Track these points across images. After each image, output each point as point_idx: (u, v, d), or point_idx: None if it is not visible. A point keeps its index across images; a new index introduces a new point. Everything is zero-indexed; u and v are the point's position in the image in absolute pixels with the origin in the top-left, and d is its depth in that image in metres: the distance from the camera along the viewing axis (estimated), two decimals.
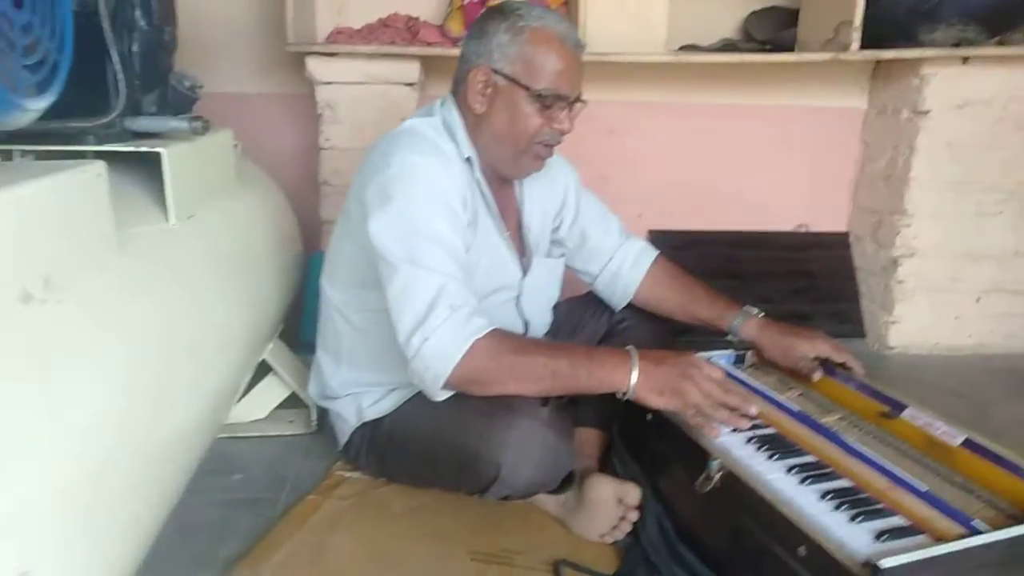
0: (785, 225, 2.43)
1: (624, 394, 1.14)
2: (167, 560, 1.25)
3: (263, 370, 1.71)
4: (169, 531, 1.31)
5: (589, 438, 1.46)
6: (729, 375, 1.33)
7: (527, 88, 1.24)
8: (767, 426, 1.18)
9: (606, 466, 1.42)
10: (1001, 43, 2.03)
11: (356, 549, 1.29)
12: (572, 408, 1.48)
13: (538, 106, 1.25)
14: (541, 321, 1.49)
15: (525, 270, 1.43)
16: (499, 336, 1.15)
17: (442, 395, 1.18)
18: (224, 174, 1.42)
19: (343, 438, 1.45)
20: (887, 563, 0.81)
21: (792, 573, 0.93)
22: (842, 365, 1.35)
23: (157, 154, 1.08)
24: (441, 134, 1.30)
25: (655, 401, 1.13)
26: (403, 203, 1.19)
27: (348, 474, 1.51)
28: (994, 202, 2.14)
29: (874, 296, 2.30)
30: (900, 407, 1.20)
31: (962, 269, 2.19)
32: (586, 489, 1.30)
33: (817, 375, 1.32)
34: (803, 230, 2.43)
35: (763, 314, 1.44)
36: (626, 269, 1.53)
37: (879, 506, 0.97)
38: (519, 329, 1.44)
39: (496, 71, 1.24)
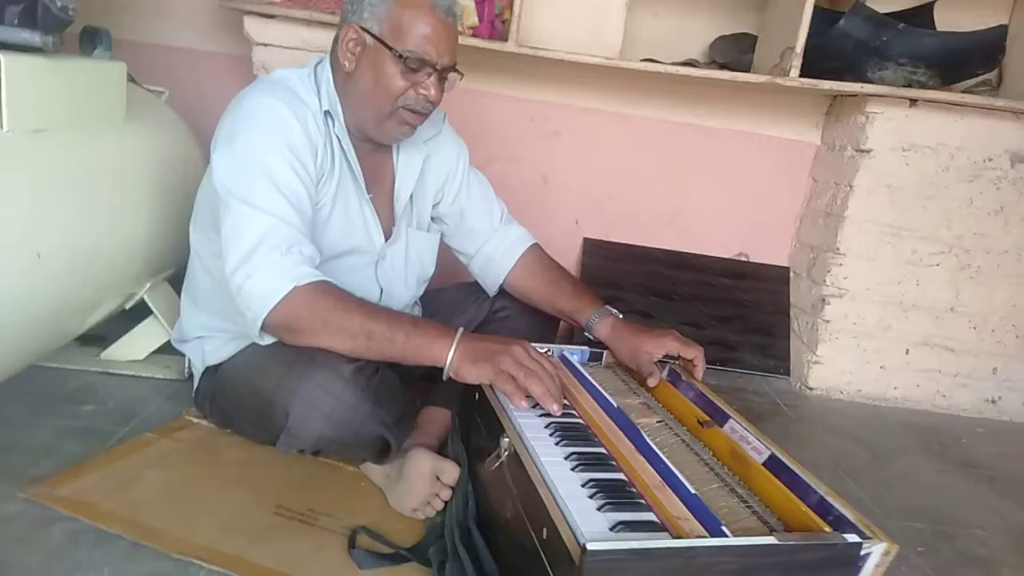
0: (725, 252, 2.38)
1: (443, 370, 1.12)
2: None
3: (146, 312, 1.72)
4: None
5: (436, 417, 1.43)
6: (572, 370, 1.29)
7: (391, 49, 1.23)
8: (578, 416, 1.14)
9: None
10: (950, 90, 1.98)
11: (165, 487, 1.27)
12: (423, 385, 1.46)
13: (402, 68, 1.23)
14: (403, 292, 1.46)
15: (387, 236, 1.41)
16: (323, 288, 1.14)
17: (264, 339, 1.17)
18: (105, 104, 1.42)
19: (195, 384, 1.44)
20: (594, 545, 0.77)
21: (534, 555, 0.90)
22: (688, 363, 1.31)
23: None
24: (306, 85, 1.29)
25: (469, 372, 1.10)
26: (245, 142, 1.19)
27: (197, 420, 1.49)
28: (931, 253, 2.07)
29: (802, 334, 2.24)
30: (724, 418, 1.16)
31: (893, 317, 2.12)
32: (406, 462, 1.27)
33: (652, 380, 1.28)
34: (743, 258, 2.38)
35: (621, 315, 1.41)
36: (499, 254, 1.50)
37: (639, 501, 0.93)
38: (373, 295, 1.41)
39: (365, 30, 1.23)
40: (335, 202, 1.31)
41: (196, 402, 1.45)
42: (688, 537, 0.85)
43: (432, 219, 1.52)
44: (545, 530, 0.88)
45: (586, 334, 1.41)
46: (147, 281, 1.62)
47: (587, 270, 2.32)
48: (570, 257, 2.35)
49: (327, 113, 1.28)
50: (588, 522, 0.87)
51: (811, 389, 2.17)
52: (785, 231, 2.36)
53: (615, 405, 1.16)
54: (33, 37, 1.15)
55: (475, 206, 1.51)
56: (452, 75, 1.29)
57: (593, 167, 2.32)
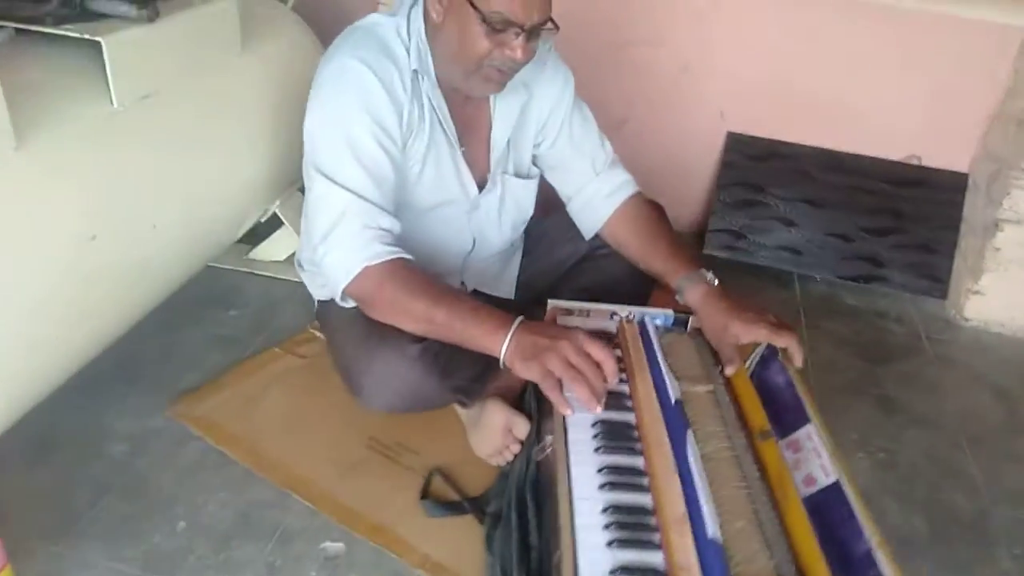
0: (893, 152, 2.08)
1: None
2: (137, 377, 1.50)
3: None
4: (154, 353, 1.56)
5: None
6: (646, 344, 1.26)
7: (476, 8, 1.14)
8: (631, 410, 1.13)
9: None
10: None
11: (280, 411, 1.45)
12: None
13: (486, 29, 1.15)
14: (496, 239, 1.46)
15: (482, 186, 1.39)
16: (393, 268, 1.17)
17: (347, 302, 1.25)
18: (216, 46, 1.45)
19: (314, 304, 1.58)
20: None
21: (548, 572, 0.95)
22: (785, 351, 1.23)
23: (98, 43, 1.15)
24: (395, 38, 1.24)
25: (520, 369, 1.10)
26: (329, 111, 1.21)
27: (319, 334, 1.65)
28: None
29: (967, 257, 1.97)
30: (801, 422, 1.10)
31: None
32: (484, 410, 1.34)
33: (730, 369, 1.21)
34: (914, 162, 2.07)
35: (716, 282, 1.31)
36: (598, 200, 1.43)
37: (651, 539, 0.94)
38: (465, 245, 1.43)
39: None
40: (426, 159, 1.30)
41: (317, 317, 1.59)
42: None
43: (533, 161, 1.47)
44: (557, 554, 0.93)
45: (677, 298, 1.35)
46: (276, 199, 1.73)
47: (728, 169, 2.14)
48: (710, 154, 2.17)
49: (415, 71, 1.25)
50: (591, 561, 0.90)
51: (966, 320, 1.94)
52: (970, 133, 2.00)
53: (673, 400, 1.13)
54: (130, 11, 1.19)
55: (577, 148, 1.43)
56: (546, 30, 1.19)
57: (744, 52, 2.05)
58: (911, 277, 2.01)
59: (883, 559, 0.88)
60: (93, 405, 1.41)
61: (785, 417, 1.16)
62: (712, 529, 0.92)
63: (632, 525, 0.95)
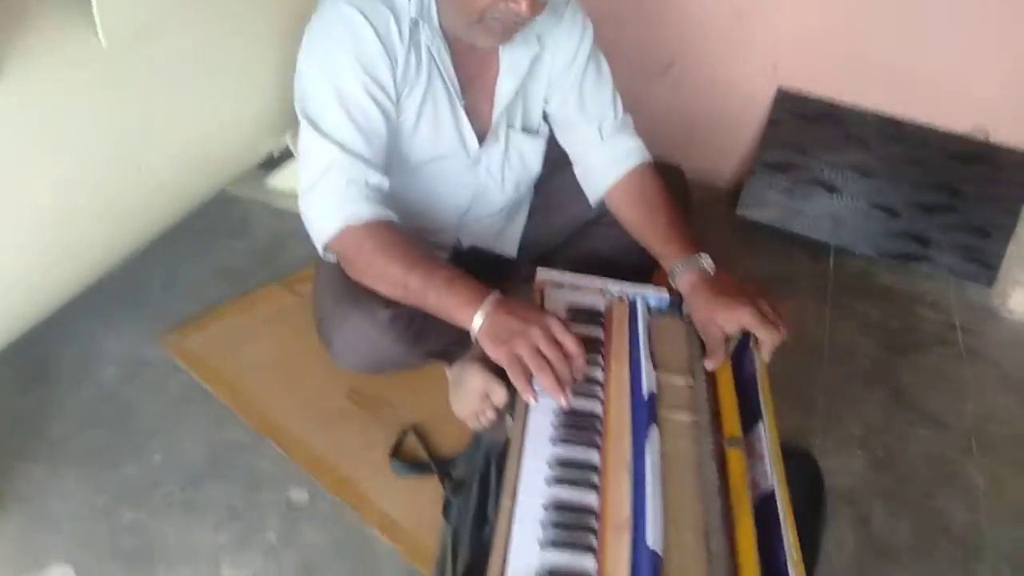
0: (959, 124, 1.89)
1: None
2: (138, 304, 1.53)
3: None
4: (158, 280, 1.59)
5: None
6: (633, 327, 1.20)
7: None
8: (601, 399, 1.09)
9: None
10: None
11: (267, 351, 1.45)
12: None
13: None
14: (497, 197, 1.39)
15: (482, 140, 1.32)
16: (372, 230, 1.13)
17: (328, 256, 1.22)
18: None
19: None
20: None
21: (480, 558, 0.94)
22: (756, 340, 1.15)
23: None
24: None
25: (489, 350, 1.05)
26: (319, 59, 1.16)
27: None
28: None
29: (1022, 244, 1.81)
30: (754, 419, 1.05)
31: None
32: (464, 371, 1.31)
33: (710, 363, 1.15)
34: (980, 137, 1.88)
35: (712, 269, 1.23)
36: (602, 168, 1.35)
37: (589, 544, 0.90)
38: (463, 201, 1.37)
39: None
40: (422, 110, 1.24)
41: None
42: None
43: (544, 118, 1.39)
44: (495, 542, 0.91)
45: (670, 282, 1.27)
46: (287, 130, 1.69)
47: (773, 127, 1.99)
48: (757, 109, 2.02)
49: (415, 19, 1.17)
50: (521, 558, 0.88)
51: (1010, 312, 1.80)
52: None
53: (645, 394, 1.09)
54: None
55: (584, 111, 1.34)
56: None
57: (805, 0, 1.88)
58: (957, 260, 1.87)
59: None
60: (92, 328, 1.45)
61: (746, 411, 1.10)
62: (653, 538, 0.90)
63: (571, 526, 0.92)
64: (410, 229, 1.37)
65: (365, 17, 1.12)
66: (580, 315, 1.23)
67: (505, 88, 1.29)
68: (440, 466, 1.27)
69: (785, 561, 0.89)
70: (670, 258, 1.25)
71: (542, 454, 1.01)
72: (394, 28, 1.15)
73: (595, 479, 0.98)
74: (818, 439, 1.43)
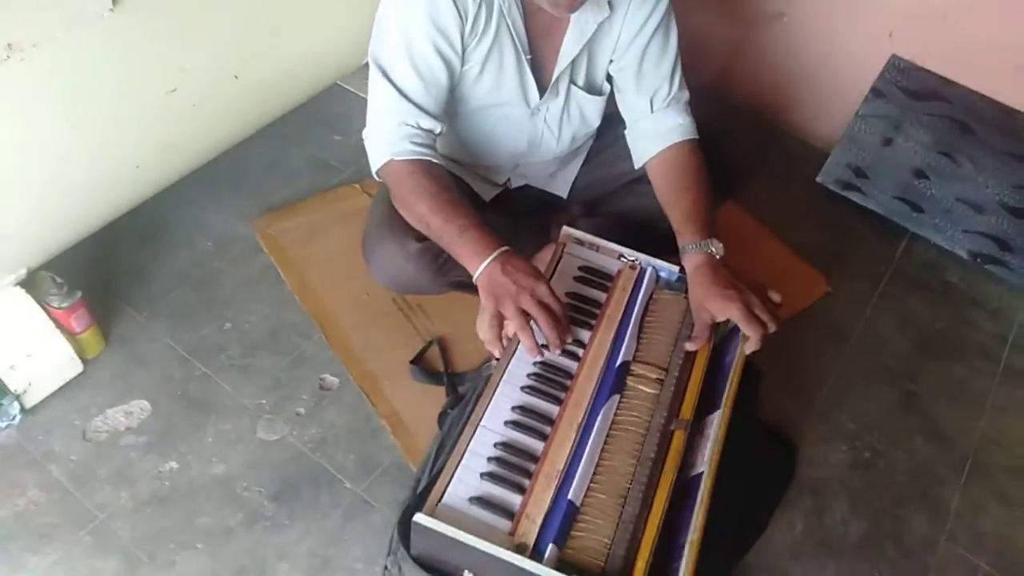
0: None
1: None
2: (241, 183, 1.75)
3: None
4: (261, 163, 1.80)
5: (544, 258, 1.55)
6: (635, 294, 1.30)
7: None
8: (580, 359, 1.21)
9: None
10: None
11: (335, 247, 1.65)
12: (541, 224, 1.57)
13: None
14: (552, 147, 1.46)
15: (542, 93, 1.40)
16: (413, 167, 1.26)
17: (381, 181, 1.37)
18: None
19: None
20: (421, 518, 0.99)
21: (421, 494, 1.08)
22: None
23: None
24: None
25: (483, 300, 1.19)
26: (396, 5, 1.24)
27: None
28: None
29: None
30: (711, 408, 1.16)
31: None
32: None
33: (690, 344, 1.24)
34: None
35: (720, 254, 1.29)
36: (648, 137, 1.40)
37: (522, 482, 1.06)
38: (519, 146, 1.46)
39: None
40: (487, 62, 1.31)
41: None
42: (518, 538, 1.02)
43: (607, 78, 1.44)
44: (427, 476, 1.10)
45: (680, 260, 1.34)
46: None
47: (876, 97, 1.88)
48: (863, 75, 1.91)
49: None
50: (462, 483, 1.06)
51: None
52: None
53: (619, 362, 1.21)
54: None
55: (641, 81, 1.37)
56: None
57: None
58: None
59: (687, 556, 0.99)
60: (201, 200, 1.70)
61: (714, 397, 1.20)
62: (575, 493, 1.05)
63: (512, 465, 1.08)
64: (464, 166, 1.51)
65: None
66: (590, 276, 1.34)
67: (569, 47, 1.34)
68: (450, 379, 1.46)
69: (683, 542, 1.02)
70: (684, 236, 1.31)
71: (510, 397, 1.17)
72: None
73: (547, 431, 1.13)
74: (809, 425, 1.50)
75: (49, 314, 1.31)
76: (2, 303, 1.27)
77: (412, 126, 1.26)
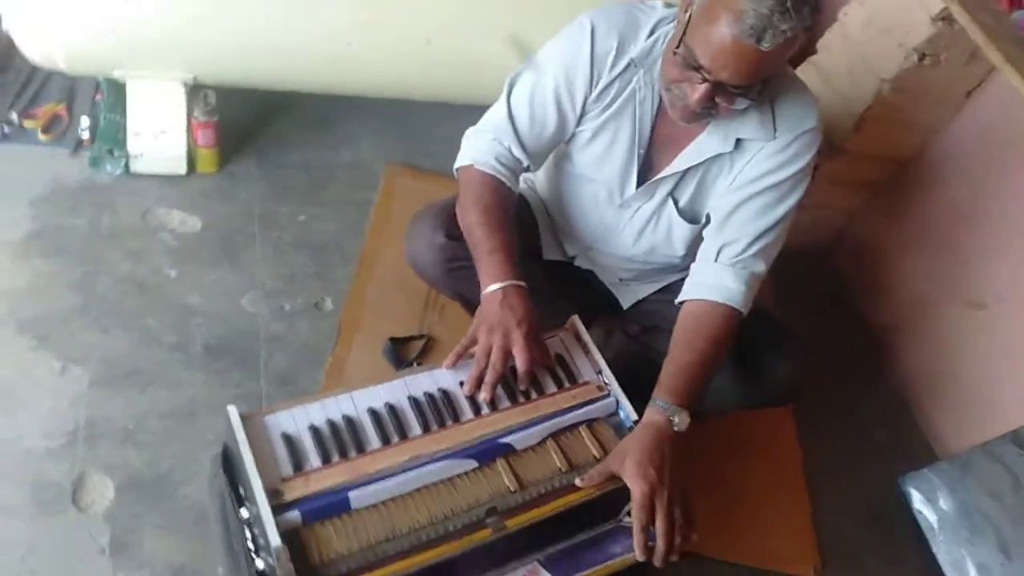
0: None
1: None
2: (409, 134, 1.94)
3: None
4: (435, 131, 1.97)
5: None
6: (581, 407, 1.24)
7: (683, 34, 1.14)
8: (481, 414, 1.19)
9: None
10: None
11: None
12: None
13: (679, 58, 1.15)
14: (623, 248, 1.45)
15: (636, 188, 1.37)
16: (484, 179, 1.32)
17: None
18: None
19: None
20: (232, 410, 1.05)
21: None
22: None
23: None
24: (647, 25, 1.28)
25: (474, 321, 1.24)
26: (549, 48, 1.33)
27: None
28: None
29: None
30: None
31: None
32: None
33: (579, 481, 1.14)
34: None
35: (677, 427, 1.18)
36: (696, 281, 1.33)
37: (333, 457, 1.07)
38: (596, 231, 1.46)
39: (691, 2, 1.15)
40: (600, 132, 1.34)
41: None
42: (284, 487, 1.03)
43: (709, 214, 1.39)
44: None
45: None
46: None
47: (1015, 444, 1.60)
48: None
49: (632, 61, 1.28)
50: (288, 419, 1.08)
51: None
52: None
53: (507, 441, 1.15)
54: None
55: (722, 227, 1.31)
56: (736, 91, 1.14)
57: None
58: None
59: None
60: (369, 124, 1.91)
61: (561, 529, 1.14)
62: (358, 497, 1.07)
63: (339, 440, 1.10)
64: (549, 216, 1.54)
65: (592, 37, 1.26)
66: (560, 368, 1.30)
67: (682, 161, 1.32)
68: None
69: None
70: (659, 389, 1.23)
71: (392, 394, 1.18)
72: (612, 58, 1.27)
73: (393, 439, 1.13)
74: None
75: (188, 119, 1.58)
76: (165, 89, 1.55)
77: (504, 147, 1.32)
